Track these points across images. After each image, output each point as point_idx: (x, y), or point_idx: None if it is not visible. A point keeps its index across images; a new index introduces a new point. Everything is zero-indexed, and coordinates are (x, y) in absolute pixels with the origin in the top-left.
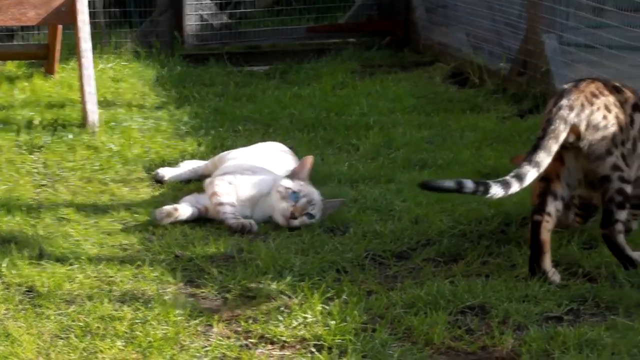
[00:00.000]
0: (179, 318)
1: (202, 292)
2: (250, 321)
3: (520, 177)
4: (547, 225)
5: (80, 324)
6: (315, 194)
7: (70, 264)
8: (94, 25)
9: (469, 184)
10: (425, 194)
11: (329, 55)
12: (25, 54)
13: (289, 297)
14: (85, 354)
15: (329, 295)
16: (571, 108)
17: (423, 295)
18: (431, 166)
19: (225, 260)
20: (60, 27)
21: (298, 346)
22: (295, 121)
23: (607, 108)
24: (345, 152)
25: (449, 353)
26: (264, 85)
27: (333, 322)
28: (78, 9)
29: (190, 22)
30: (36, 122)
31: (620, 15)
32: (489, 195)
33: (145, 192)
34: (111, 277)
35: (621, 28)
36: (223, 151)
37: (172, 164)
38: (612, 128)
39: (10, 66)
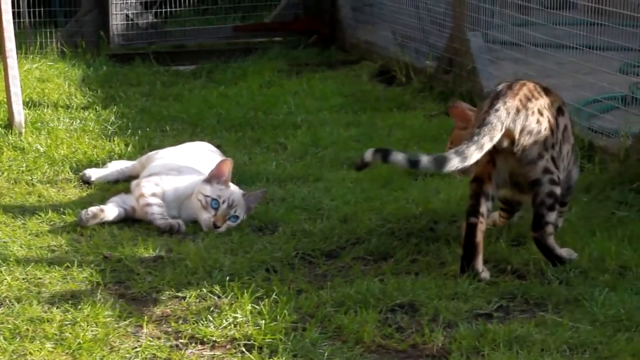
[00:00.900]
0: (109, 319)
1: (132, 293)
2: (180, 321)
3: (442, 161)
4: (482, 227)
5: (9, 326)
6: (235, 194)
7: None
8: (18, 25)
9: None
10: (353, 193)
11: (256, 54)
12: None
13: (219, 297)
14: (14, 356)
15: (258, 294)
16: (507, 112)
17: (353, 294)
18: None
19: (154, 260)
20: None
21: (228, 346)
22: (223, 121)
23: (540, 112)
24: (273, 151)
25: (379, 351)
26: (190, 84)
27: (263, 322)
28: (2, 8)
29: (116, 21)
30: None
31: (545, 13)
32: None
33: (73, 192)
34: (40, 278)
35: (546, 26)
36: (150, 151)
37: (100, 164)
38: (545, 132)
39: None
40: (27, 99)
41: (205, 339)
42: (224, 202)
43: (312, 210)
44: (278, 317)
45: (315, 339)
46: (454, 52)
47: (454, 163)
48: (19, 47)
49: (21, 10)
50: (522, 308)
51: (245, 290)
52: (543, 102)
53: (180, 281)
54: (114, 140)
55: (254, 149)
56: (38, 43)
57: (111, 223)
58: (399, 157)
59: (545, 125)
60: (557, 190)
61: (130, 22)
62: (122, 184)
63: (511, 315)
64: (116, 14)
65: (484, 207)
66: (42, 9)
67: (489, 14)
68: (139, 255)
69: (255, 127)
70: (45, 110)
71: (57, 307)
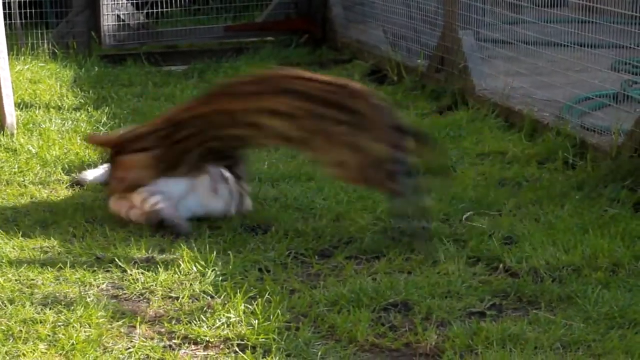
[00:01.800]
0: (102, 320)
1: (125, 294)
2: (174, 322)
3: None
4: None
5: (2, 327)
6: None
7: None
8: (9, 25)
9: None
10: (346, 192)
11: (247, 53)
12: None
13: (212, 297)
14: (7, 357)
15: (251, 294)
16: None
17: (346, 293)
18: None
19: (147, 261)
20: None
21: (222, 346)
22: None
23: None
24: (265, 150)
25: (372, 350)
26: (182, 84)
27: (256, 322)
28: None
29: (107, 22)
30: None
31: (536, 11)
32: None
33: (65, 194)
34: (32, 280)
35: (537, 24)
36: None
37: (92, 165)
38: None
39: None
40: (19, 100)
41: (198, 339)
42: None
43: (305, 210)
44: (271, 317)
45: (309, 338)
46: (445, 50)
47: None
48: (10, 48)
49: (12, 11)
50: (515, 306)
51: (238, 290)
52: None
53: (173, 281)
54: None
55: None
56: (29, 44)
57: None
58: None
59: None
60: None
61: (121, 22)
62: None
63: (504, 313)
64: (107, 14)
65: None
66: (33, 10)
67: (480, 12)
68: (131, 256)
69: None
70: (37, 111)
71: (50, 308)
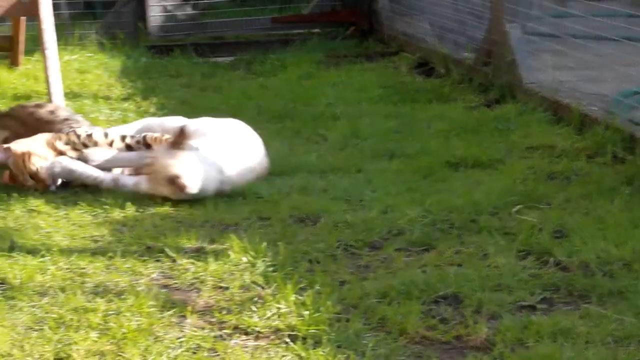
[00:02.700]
0: (153, 309)
1: (175, 284)
2: (224, 312)
3: None
4: None
5: (54, 315)
6: None
7: (42, 256)
8: (57, 16)
9: None
10: (395, 184)
11: (294, 45)
12: None
13: (262, 287)
14: (59, 345)
15: (302, 285)
16: None
17: (396, 285)
18: (400, 156)
19: (197, 251)
20: (23, 18)
21: (272, 336)
22: (262, 112)
23: None
24: (313, 142)
25: (423, 343)
26: (229, 76)
27: (307, 313)
28: (40, 0)
29: (154, 13)
30: None
31: (584, 5)
32: None
33: None
34: (83, 268)
35: (585, 17)
36: None
37: None
38: None
39: None
40: (67, 91)
41: (249, 330)
42: None
43: (354, 202)
44: (321, 308)
45: (359, 329)
46: (492, 43)
47: None
48: (58, 38)
49: (60, 2)
50: (565, 300)
51: (288, 281)
52: None
53: (223, 272)
54: None
55: (294, 140)
56: (77, 35)
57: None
58: None
59: None
60: None
61: (168, 13)
62: None
63: (555, 307)
64: (154, 5)
65: None
66: (81, 1)
67: (527, 5)
68: (181, 246)
69: (295, 118)
70: (85, 101)
71: (101, 297)
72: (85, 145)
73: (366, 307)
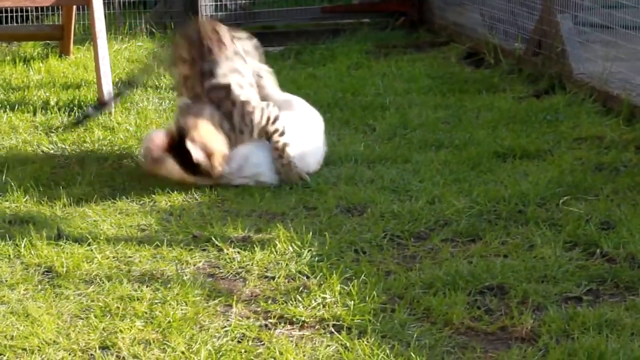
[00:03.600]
0: (198, 298)
1: (221, 273)
2: (270, 301)
3: None
4: None
5: (100, 304)
6: None
7: (89, 245)
8: (108, 5)
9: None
10: (442, 174)
11: (343, 35)
12: (40, 35)
13: (308, 277)
14: (105, 333)
15: (347, 275)
16: None
17: (442, 276)
18: (448, 146)
19: (244, 240)
20: (74, 7)
21: (317, 326)
22: (311, 102)
23: None
24: (361, 132)
25: (468, 333)
26: (279, 65)
27: (352, 303)
28: None
29: (205, 2)
30: (52, 102)
31: None
32: None
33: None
34: (130, 257)
35: (637, 8)
36: None
37: None
38: None
39: (26, 47)
40: (117, 79)
41: (294, 319)
42: None
43: (401, 192)
44: (367, 298)
45: (404, 320)
46: (543, 34)
47: None
48: (108, 28)
49: None
50: (611, 292)
51: (334, 271)
52: None
53: (269, 261)
54: None
55: (342, 129)
56: (127, 24)
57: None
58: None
59: None
60: None
61: (218, 3)
62: None
63: (601, 298)
64: None
65: None
66: None
67: None
68: (228, 235)
69: (344, 108)
70: (135, 90)
71: (147, 286)
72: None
73: (411, 298)
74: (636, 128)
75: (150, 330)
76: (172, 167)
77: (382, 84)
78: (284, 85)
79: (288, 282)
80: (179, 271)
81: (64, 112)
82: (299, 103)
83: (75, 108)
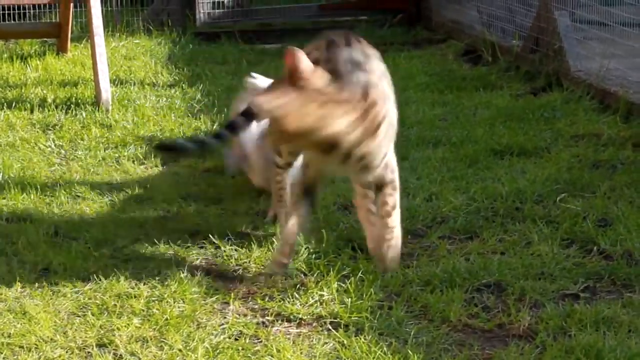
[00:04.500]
0: (195, 296)
1: (218, 270)
2: (267, 299)
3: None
4: None
5: (97, 301)
6: None
7: (86, 242)
8: (105, 3)
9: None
10: (439, 172)
11: None
12: (38, 33)
13: (305, 274)
14: (102, 331)
15: (345, 273)
16: None
17: (439, 273)
18: (445, 144)
19: (241, 237)
20: (71, 5)
21: (314, 324)
22: None
23: None
24: None
25: (465, 330)
26: (276, 63)
27: (349, 300)
28: None
29: (202, 0)
30: (49, 100)
31: None
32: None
33: (159, 170)
34: (127, 255)
35: (634, 5)
36: None
37: None
38: None
39: (23, 45)
40: (114, 77)
41: (291, 317)
42: None
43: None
44: (364, 296)
45: (402, 317)
46: (540, 31)
47: None
48: (105, 25)
49: None
50: (609, 289)
51: (331, 269)
52: None
53: (266, 259)
54: (199, 118)
55: None
56: (125, 21)
57: None
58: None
59: None
60: None
61: (216, 0)
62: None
63: (598, 296)
64: None
65: None
66: None
67: None
68: (225, 233)
69: None
70: (132, 87)
71: (144, 283)
72: None
73: (409, 295)
74: (633, 125)
75: (148, 328)
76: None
77: None
78: None
79: (285, 279)
80: (176, 269)
81: (61, 110)
82: None
83: (72, 106)
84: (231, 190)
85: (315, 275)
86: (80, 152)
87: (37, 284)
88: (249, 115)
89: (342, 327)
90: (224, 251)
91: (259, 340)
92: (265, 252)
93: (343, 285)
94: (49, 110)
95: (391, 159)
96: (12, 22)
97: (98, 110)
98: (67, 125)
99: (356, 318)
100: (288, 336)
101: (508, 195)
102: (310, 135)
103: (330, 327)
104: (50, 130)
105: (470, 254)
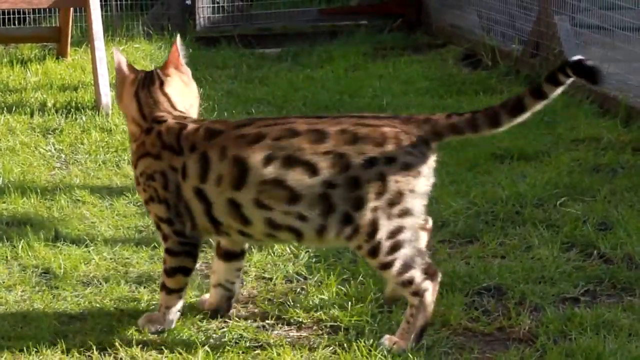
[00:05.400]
0: (196, 299)
1: None
2: (267, 302)
3: None
4: None
5: (97, 305)
6: None
7: (86, 246)
8: (105, 7)
9: None
10: (439, 176)
11: (341, 37)
12: (37, 37)
13: (305, 278)
14: (102, 335)
15: (345, 276)
16: None
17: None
18: (444, 148)
19: None
20: (71, 9)
21: (315, 327)
22: (309, 103)
23: None
24: None
25: (466, 334)
26: (276, 67)
27: (349, 304)
28: None
29: (202, 4)
30: (50, 104)
31: None
32: None
33: None
34: (127, 259)
35: (634, 9)
36: None
37: None
38: None
39: (23, 49)
40: (114, 81)
41: (291, 320)
42: None
43: None
44: (364, 299)
45: (401, 321)
46: (540, 35)
47: None
48: (105, 30)
49: None
50: (609, 293)
51: (331, 272)
52: None
53: (266, 262)
54: None
55: None
56: (125, 26)
57: None
58: None
59: None
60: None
61: (216, 5)
62: None
63: (598, 299)
64: None
65: None
66: None
67: None
68: None
69: (342, 110)
70: None
71: (145, 287)
72: None
73: None
74: (633, 129)
75: (148, 332)
76: None
77: (379, 86)
78: (282, 88)
79: (285, 283)
80: None
81: (61, 114)
82: None
83: (72, 110)
84: None
85: (315, 279)
86: (80, 156)
87: (37, 288)
88: None
89: (342, 330)
90: None
91: (259, 343)
92: (265, 256)
93: (343, 289)
94: (49, 115)
95: None
96: (12, 26)
97: (98, 114)
98: (67, 130)
99: (356, 321)
100: (288, 340)
101: (508, 199)
102: None
103: (330, 331)
104: (50, 134)
105: (471, 258)
